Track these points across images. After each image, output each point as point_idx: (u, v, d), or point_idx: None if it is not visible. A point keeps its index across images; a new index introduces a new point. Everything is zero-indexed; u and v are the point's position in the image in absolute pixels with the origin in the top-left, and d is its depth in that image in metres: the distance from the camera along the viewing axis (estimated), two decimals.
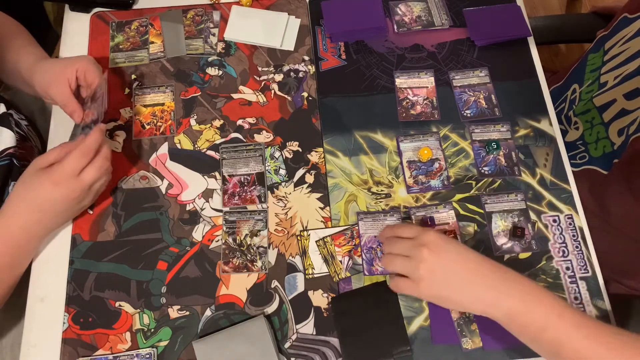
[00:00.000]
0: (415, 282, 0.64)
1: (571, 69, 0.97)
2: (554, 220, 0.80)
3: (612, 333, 0.59)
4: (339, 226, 0.79)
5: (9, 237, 0.71)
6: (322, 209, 0.80)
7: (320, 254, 0.77)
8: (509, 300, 0.60)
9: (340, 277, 0.76)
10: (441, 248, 0.63)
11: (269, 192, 0.81)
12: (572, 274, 0.76)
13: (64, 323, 0.73)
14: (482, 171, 0.82)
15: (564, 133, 0.88)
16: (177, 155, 0.84)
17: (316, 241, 0.78)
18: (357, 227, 0.79)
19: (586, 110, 0.85)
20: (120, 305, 0.74)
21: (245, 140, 0.85)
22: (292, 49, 0.92)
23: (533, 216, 0.80)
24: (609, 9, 1.11)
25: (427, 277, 0.62)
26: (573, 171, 0.83)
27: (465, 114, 0.87)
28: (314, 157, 0.84)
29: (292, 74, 0.90)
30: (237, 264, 0.77)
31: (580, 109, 0.87)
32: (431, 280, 0.62)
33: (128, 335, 0.73)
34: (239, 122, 0.86)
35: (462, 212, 0.80)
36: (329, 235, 0.78)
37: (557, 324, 0.59)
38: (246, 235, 0.78)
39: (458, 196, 0.81)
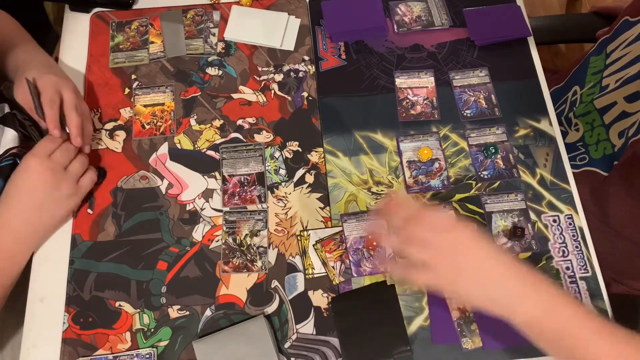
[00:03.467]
0: (436, 276, 0.60)
1: (572, 70, 0.96)
2: (554, 220, 0.80)
3: (633, 341, 0.58)
4: (338, 226, 0.79)
5: None
6: (322, 209, 0.80)
7: (319, 256, 0.77)
8: (529, 308, 0.59)
9: (334, 282, 0.76)
10: (469, 247, 0.60)
11: (269, 192, 0.81)
12: (572, 274, 0.76)
13: (64, 323, 0.73)
14: (482, 175, 0.82)
15: (563, 134, 0.88)
16: (177, 155, 0.84)
17: (313, 245, 0.78)
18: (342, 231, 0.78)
19: (587, 112, 0.85)
20: (120, 305, 0.74)
21: (245, 140, 0.85)
22: (292, 49, 0.92)
23: (533, 216, 0.80)
24: (610, 10, 1.11)
25: (450, 275, 0.60)
26: (573, 172, 0.83)
27: (465, 114, 0.87)
28: (314, 157, 0.84)
29: (292, 74, 0.90)
30: (237, 264, 0.77)
31: (581, 111, 0.87)
32: (455, 277, 0.60)
33: (128, 335, 0.73)
34: (239, 122, 0.86)
35: (462, 212, 0.80)
36: (318, 242, 0.78)
37: (578, 333, 0.58)
38: (246, 235, 0.78)
39: (458, 196, 0.81)
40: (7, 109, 0.83)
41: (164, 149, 0.84)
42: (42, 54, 0.85)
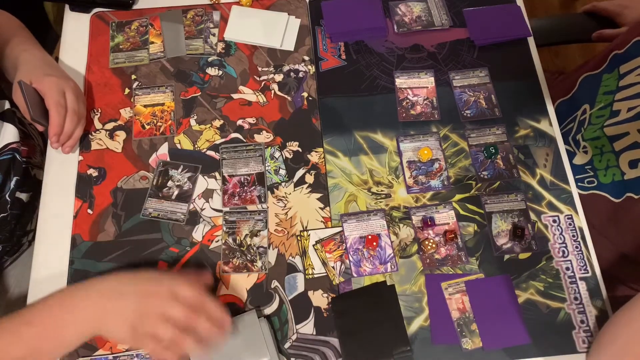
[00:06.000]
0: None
1: (579, 80, 0.94)
2: (554, 221, 0.80)
3: None
4: (338, 226, 0.79)
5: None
6: (322, 209, 0.80)
7: (319, 256, 0.77)
8: None
9: (334, 282, 0.76)
10: None
11: (269, 192, 0.81)
12: (572, 274, 0.76)
13: None
14: (482, 176, 0.82)
15: (571, 155, 0.88)
16: (177, 155, 0.84)
17: (313, 245, 0.78)
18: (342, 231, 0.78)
19: (596, 137, 0.84)
20: None
21: (245, 140, 0.85)
22: (292, 49, 0.92)
23: (533, 216, 0.80)
24: (605, 12, 1.10)
25: None
26: (580, 195, 0.83)
27: (465, 114, 0.87)
28: (314, 157, 0.84)
29: (292, 74, 0.90)
30: (237, 264, 0.77)
31: (590, 135, 0.86)
32: None
33: None
34: (239, 122, 0.86)
35: (462, 212, 0.80)
36: (319, 242, 0.78)
37: None
38: (246, 235, 0.78)
39: (458, 196, 0.81)
40: (7, 106, 0.83)
41: (164, 149, 0.84)
42: (42, 53, 0.85)
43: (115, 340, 0.70)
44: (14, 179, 0.81)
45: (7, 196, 0.80)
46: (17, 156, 0.81)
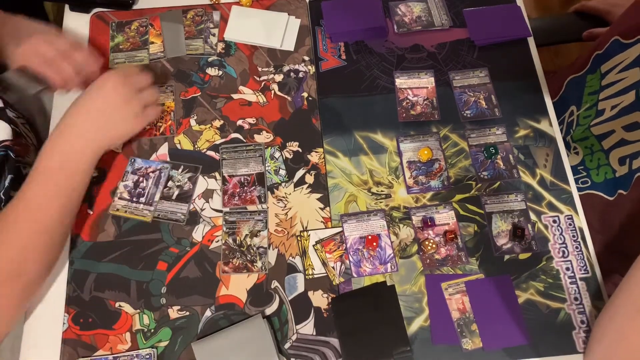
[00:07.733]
0: None
1: (565, 82, 0.95)
2: (554, 221, 0.80)
3: None
4: (338, 226, 0.79)
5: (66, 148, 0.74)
6: (322, 209, 0.80)
7: (319, 257, 0.77)
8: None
9: (334, 283, 0.76)
10: None
11: (269, 192, 0.81)
12: (572, 274, 0.76)
13: (63, 323, 0.73)
14: (482, 176, 0.82)
15: None
16: (177, 155, 0.84)
17: (313, 245, 0.78)
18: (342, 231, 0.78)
19: (585, 137, 0.85)
20: (120, 306, 0.74)
21: (245, 140, 0.85)
22: (292, 49, 0.92)
23: (533, 216, 0.80)
24: (594, 10, 1.10)
25: None
26: None
27: (465, 114, 0.87)
28: (314, 157, 0.84)
29: (292, 74, 0.90)
30: (237, 264, 0.77)
31: (579, 136, 0.87)
32: None
33: (128, 335, 0.73)
34: (239, 122, 0.86)
35: (462, 212, 0.80)
36: (319, 242, 0.78)
37: None
38: (246, 235, 0.78)
39: (458, 196, 0.81)
40: (0, 104, 0.83)
41: (164, 149, 0.84)
42: (9, 19, 0.85)
43: (133, 133, 0.79)
44: (9, 177, 0.80)
45: (1, 194, 0.80)
46: (10, 153, 0.81)
